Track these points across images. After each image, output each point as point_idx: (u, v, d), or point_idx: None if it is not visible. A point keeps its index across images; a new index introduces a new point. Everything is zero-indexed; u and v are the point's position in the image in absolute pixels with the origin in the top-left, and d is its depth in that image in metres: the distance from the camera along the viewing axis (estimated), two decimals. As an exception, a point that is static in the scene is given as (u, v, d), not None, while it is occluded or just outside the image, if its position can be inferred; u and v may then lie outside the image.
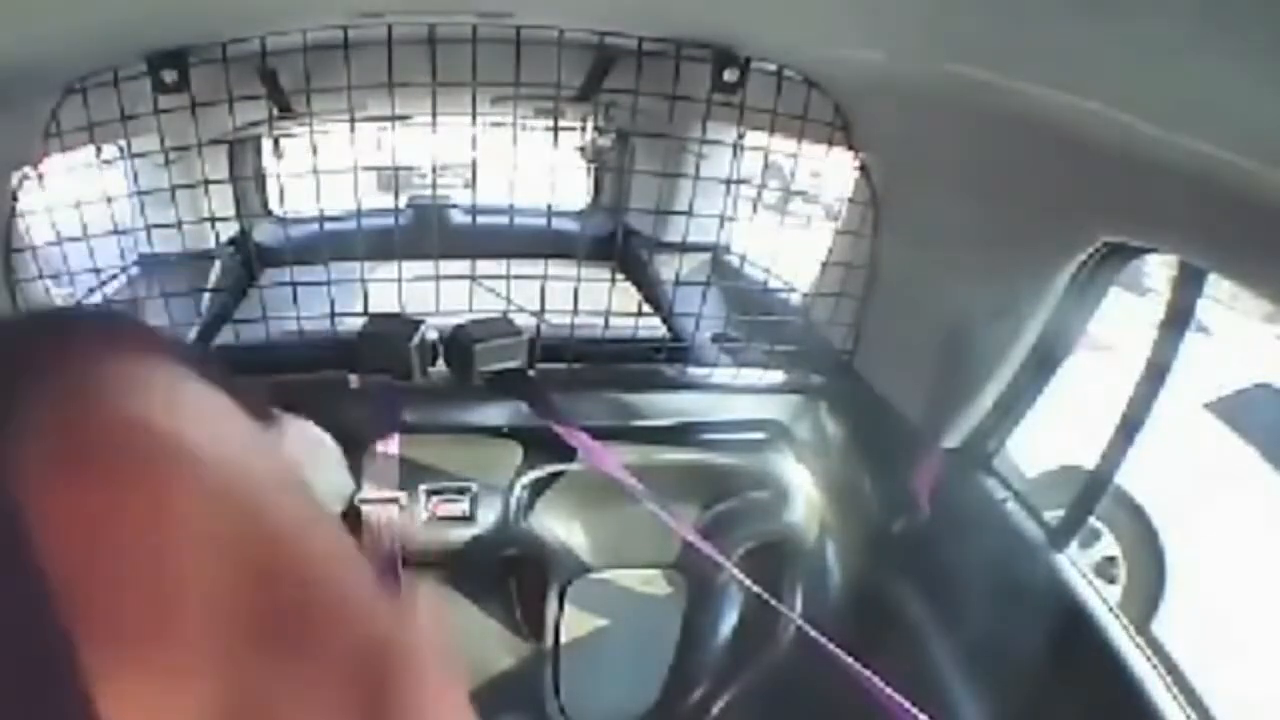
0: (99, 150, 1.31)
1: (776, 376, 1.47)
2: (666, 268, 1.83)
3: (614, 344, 1.42)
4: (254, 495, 0.28)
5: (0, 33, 0.90)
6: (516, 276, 1.40)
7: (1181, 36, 0.59)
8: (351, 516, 1.25)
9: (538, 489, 1.41)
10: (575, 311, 1.33)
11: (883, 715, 0.96)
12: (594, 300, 1.35)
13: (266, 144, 2.05)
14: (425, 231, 1.77)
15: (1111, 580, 2.74)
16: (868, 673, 0.99)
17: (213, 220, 1.63)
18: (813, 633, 1.08)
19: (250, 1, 1.14)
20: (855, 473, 1.43)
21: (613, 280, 1.39)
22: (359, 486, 1.25)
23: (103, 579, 0.23)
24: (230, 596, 0.25)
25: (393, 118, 1.37)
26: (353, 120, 1.27)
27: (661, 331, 1.66)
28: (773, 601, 1.25)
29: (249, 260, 1.85)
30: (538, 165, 1.49)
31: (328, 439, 0.57)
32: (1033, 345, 1.10)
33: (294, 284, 1.32)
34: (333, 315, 1.30)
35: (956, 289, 1.19)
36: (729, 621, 1.52)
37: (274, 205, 2.17)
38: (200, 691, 0.23)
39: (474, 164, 1.98)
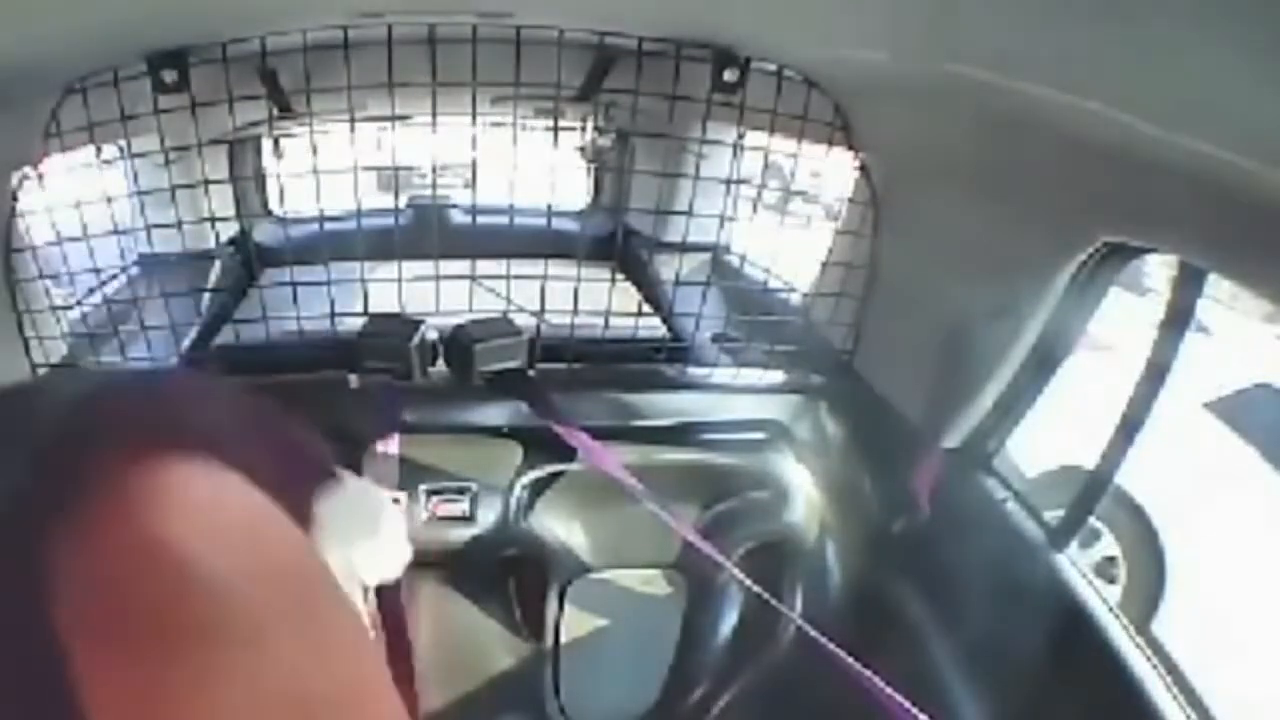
0: (99, 150, 1.31)
1: (776, 376, 1.47)
2: (666, 268, 1.83)
3: (614, 344, 1.42)
4: (290, 662, 0.29)
5: (0, 33, 0.90)
6: (516, 276, 1.40)
7: (1181, 36, 0.59)
8: None
9: (538, 489, 1.41)
10: (575, 311, 1.33)
11: (883, 715, 0.96)
12: (594, 300, 1.35)
13: (266, 144, 2.05)
14: (425, 231, 1.77)
15: (1111, 580, 2.74)
16: (868, 673, 0.99)
17: (213, 220, 1.63)
18: (813, 633, 1.08)
19: (250, 1, 1.14)
20: (855, 473, 1.43)
21: (613, 280, 1.39)
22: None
23: None
24: None
25: (393, 118, 1.37)
26: (353, 120, 1.27)
27: (661, 331, 1.66)
28: (773, 601, 1.25)
29: (249, 260, 1.85)
30: (538, 165, 1.49)
31: (389, 502, 0.57)
32: (1033, 345, 1.10)
33: (294, 284, 1.32)
34: (333, 315, 1.30)
35: (956, 289, 1.19)
36: (729, 621, 1.52)
37: (274, 205, 2.17)
38: None
39: (474, 164, 1.98)
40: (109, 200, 1.31)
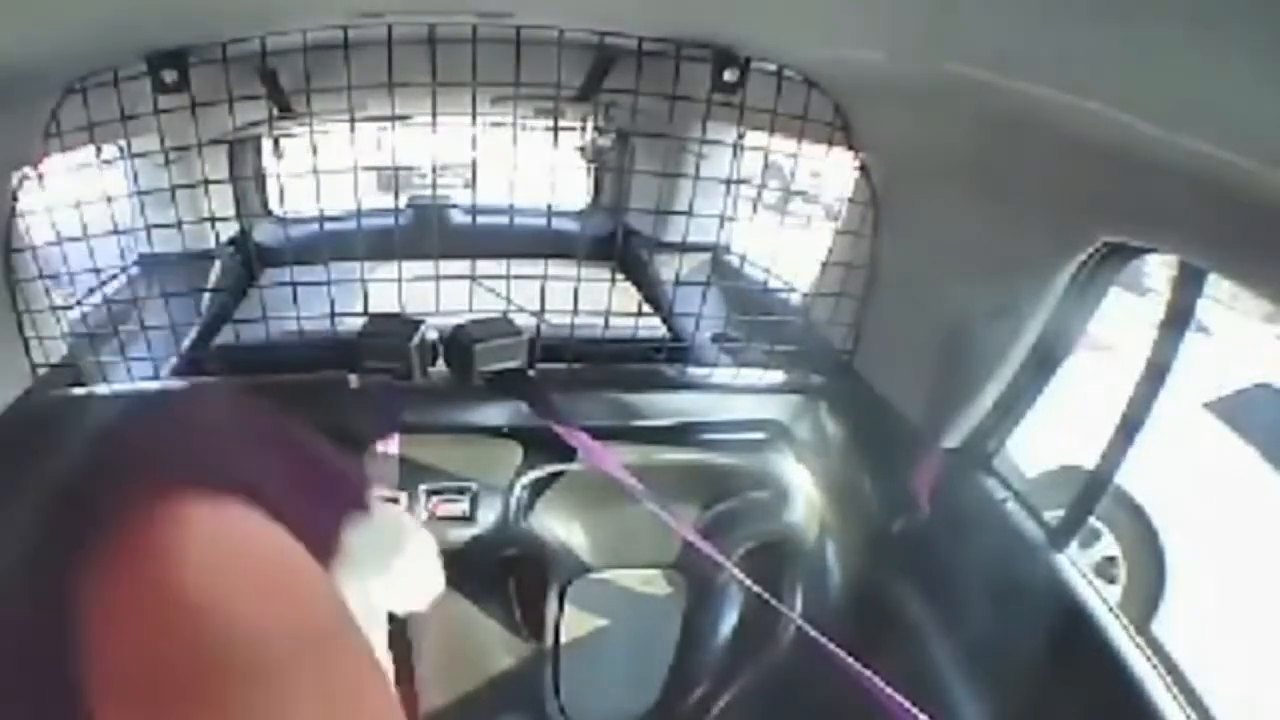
0: (99, 150, 1.31)
1: (776, 376, 1.47)
2: (666, 268, 1.83)
3: (614, 344, 1.42)
4: (308, 713, 0.30)
5: (0, 33, 0.90)
6: (516, 276, 1.40)
7: (1181, 36, 0.59)
8: None
9: (538, 489, 1.40)
10: (575, 311, 1.33)
11: (883, 715, 0.96)
12: (594, 300, 1.35)
13: (266, 144, 2.05)
14: (425, 231, 1.77)
15: (1111, 580, 2.75)
16: (868, 673, 0.99)
17: (213, 220, 1.63)
18: (813, 633, 1.08)
19: (250, 1, 1.14)
20: (855, 473, 1.43)
21: (613, 280, 1.39)
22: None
23: None
24: None
25: (393, 118, 1.37)
26: (353, 120, 1.27)
27: (661, 331, 1.66)
28: (773, 601, 1.25)
29: (249, 260, 1.85)
30: (538, 165, 1.49)
31: (420, 530, 0.57)
32: (1033, 345, 1.10)
33: (294, 284, 1.32)
34: (333, 315, 1.30)
35: (956, 289, 1.19)
36: (729, 621, 1.52)
37: (274, 205, 2.17)
38: None
39: (474, 164, 1.98)
40: (109, 200, 1.31)
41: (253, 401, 0.43)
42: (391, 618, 0.51)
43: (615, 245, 1.69)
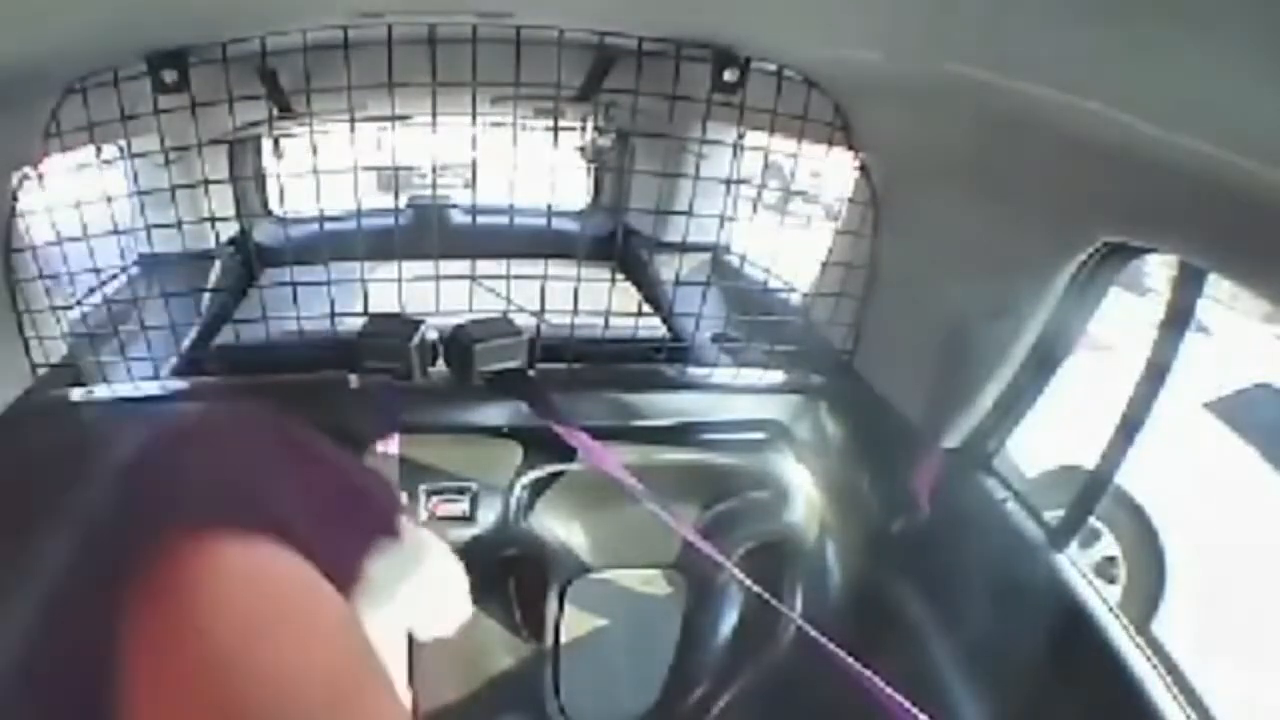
0: (99, 150, 1.31)
1: (776, 376, 1.47)
2: (666, 268, 1.83)
3: (614, 344, 1.42)
4: None
5: (0, 33, 0.90)
6: (516, 276, 1.40)
7: (1181, 36, 0.59)
8: None
9: (538, 489, 1.40)
10: (575, 311, 1.33)
11: (883, 715, 0.96)
12: (594, 300, 1.35)
13: (266, 144, 2.05)
14: (425, 231, 1.77)
15: (1111, 580, 2.75)
16: (868, 673, 0.98)
17: (213, 220, 1.63)
18: (813, 633, 1.08)
19: (250, 1, 1.14)
20: (855, 473, 1.43)
21: (613, 280, 1.39)
22: None
23: None
24: None
25: (393, 118, 1.37)
26: (353, 120, 1.27)
27: (661, 331, 1.66)
28: (773, 601, 1.25)
29: (249, 260, 1.85)
30: (538, 165, 1.49)
31: (448, 556, 0.57)
32: (1033, 345, 1.10)
33: (294, 284, 1.32)
34: (333, 315, 1.30)
35: (956, 289, 1.19)
36: (729, 621, 1.52)
37: (274, 205, 2.17)
38: None
39: (474, 164, 1.98)
40: (109, 200, 1.31)
41: (285, 420, 0.45)
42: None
43: (615, 245, 1.69)
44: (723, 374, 1.48)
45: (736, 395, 1.47)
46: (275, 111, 1.53)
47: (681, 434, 1.45)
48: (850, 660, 1.01)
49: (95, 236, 1.28)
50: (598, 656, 1.50)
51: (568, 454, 1.35)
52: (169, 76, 1.21)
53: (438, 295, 1.32)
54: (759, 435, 1.48)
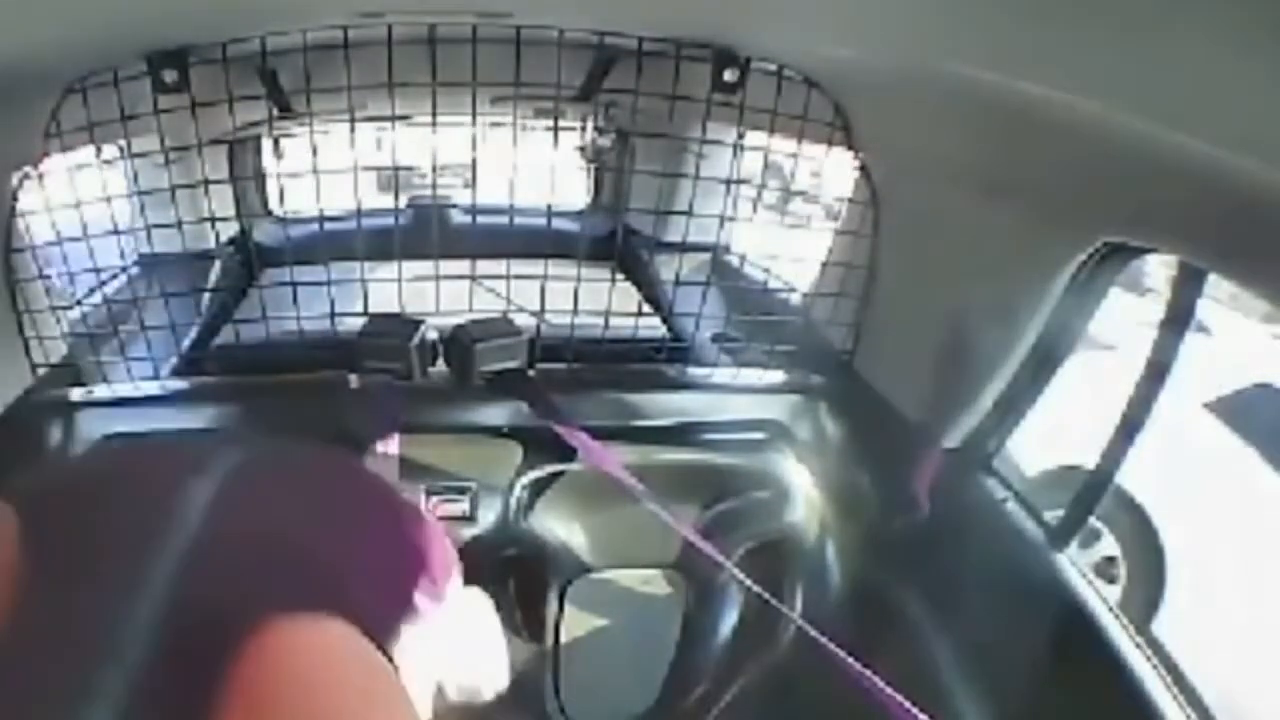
0: (99, 150, 1.31)
1: (776, 376, 1.47)
2: (666, 268, 1.83)
3: (614, 344, 1.42)
4: None
5: (0, 33, 0.90)
6: (516, 276, 1.40)
7: (1182, 36, 0.59)
8: None
9: (538, 489, 1.40)
10: (575, 311, 1.33)
11: (883, 715, 0.96)
12: (594, 300, 1.35)
13: (266, 144, 2.05)
14: (425, 231, 1.77)
15: (1111, 580, 2.74)
16: (868, 673, 0.98)
17: (213, 220, 1.63)
18: (813, 633, 1.08)
19: (250, 1, 1.14)
20: (855, 473, 1.43)
21: (613, 280, 1.39)
22: None
23: None
24: None
25: (393, 118, 1.37)
26: (353, 120, 1.27)
27: (661, 331, 1.66)
28: (773, 601, 1.25)
29: (249, 260, 1.85)
30: (538, 165, 1.49)
31: (491, 618, 0.58)
32: (1033, 345, 1.10)
33: (294, 284, 1.32)
34: (333, 315, 1.30)
35: (956, 289, 1.19)
36: (729, 621, 1.52)
37: (274, 205, 2.17)
38: None
39: (474, 164, 1.98)
40: (109, 200, 1.31)
41: (355, 465, 0.47)
42: None
43: (615, 245, 1.69)
44: (723, 374, 1.48)
45: (736, 395, 1.47)
46: (275, 111, 1.53)
47: (681, 434, 1.45)
48: (850, 660, 1.01)
49: (95, 236, 1.28)
50: (598, 656, 1.50)
51: (568, 454, 1.35)
52: (169, 76, 1.21)
53: (438, 295, 1.32)
54: (759, 435, 1.48)
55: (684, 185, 1.55)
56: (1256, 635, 2.36)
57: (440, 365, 1.30)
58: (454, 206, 2.22)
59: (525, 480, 1.38)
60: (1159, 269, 2.67)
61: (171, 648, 0.34)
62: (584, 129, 2.08)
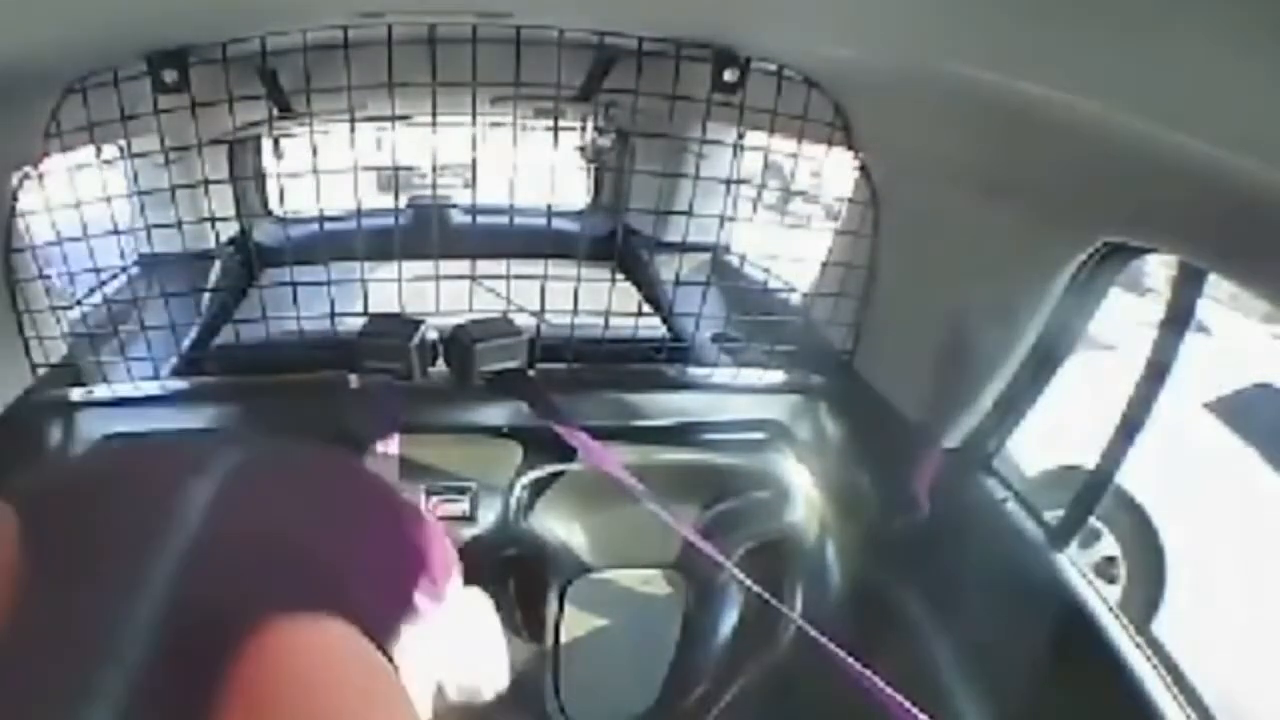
0: (99, 150, 1.31)
1: (776, 376, 1.47)
2: (666, 268, 1.83)
3: (614, 344, 1.42)
4: None
5: (0, 33, 0.90)
6: (516, 276, 1.40)
7: (1182, 36, 0.59)
8: None
9: (538, 489, 1.40)
10: (575, 311, 1.33)
11: (883, 715, 0.96)
12: (594, 300, 1.35)
13: (266, 144, 2.05)
14: (425, 231, 1.77)
15: (1111, 580, 2.74)
16: (868, 673, 0.99)
17: (213, 220, 1.63)
18: (813, 633, 1.08)
19: (250, 1, 1.14)
20: (855, 473, 1.43)
21: (613, 280, 1.39)
22: None
23: None
24: None
25: (393, 118, 1.37)
26: (353, 120, 1.27)
27: (661, 331, 1.66)
28: (773, 601, 1.25)
29: (249, 260, 1.85)
30: (538, 165, 1.49)
31: (491, 618, 0.58)
32: (1033, 345, 1.10)
33: (294, 284, 1.32)
34: (333, 315, 1.30)
35: (956, 289, 1.19)
36: (729, 621, 1.52)
37: (274, 205, 2.17)
38: None
39: (474, 164, 1.98)
40: (109, 200, 1.31)
41: (356, 465, 0.47)
42: None
43: (615, 245, 1.69)
44: (723, 374, 1.48)
45: (736, 395, 1.47)
46: (275, 111, 1.53)
47: (681, 434, 1.45)
48: (850, 660, 1.01)
49: (95, 236, 1.28)
50: (598, 656, 1.50)
51: (568, 454, 1.35)
52: (169, 76, 1.21)
53: (438, 295, 1.32)
54: (759, 435, 1.48)
55: (684, 185, 1.55)
56: (1256, 635, 2.36)
57: (440, 365, 1.30)
58: (454, 206, 2.22)
59: (525, 480, 1.38)
60: (1159, 269, 2.67)
61: (171, 648, 0.34)
62: (584, 129, 2.08)
